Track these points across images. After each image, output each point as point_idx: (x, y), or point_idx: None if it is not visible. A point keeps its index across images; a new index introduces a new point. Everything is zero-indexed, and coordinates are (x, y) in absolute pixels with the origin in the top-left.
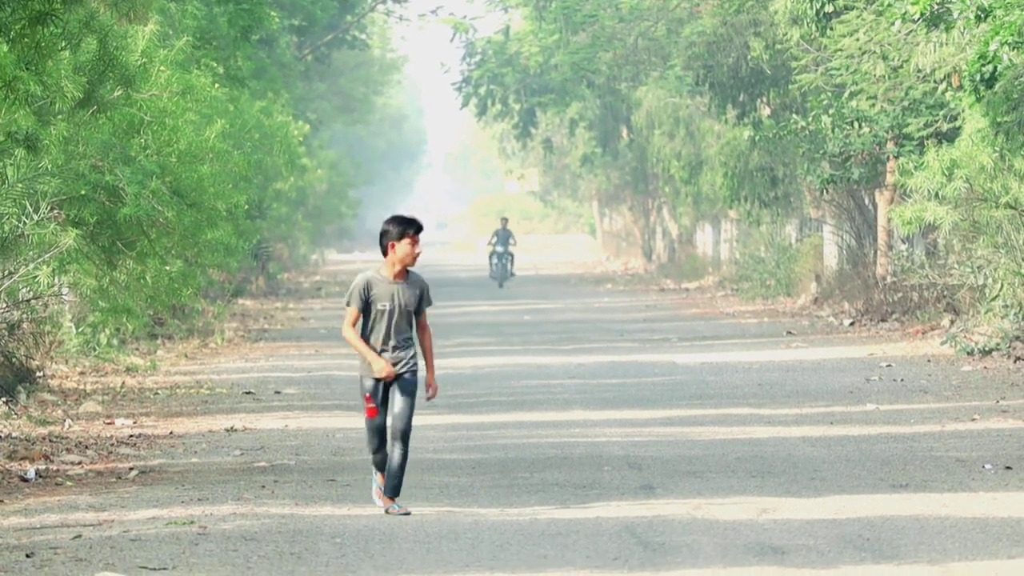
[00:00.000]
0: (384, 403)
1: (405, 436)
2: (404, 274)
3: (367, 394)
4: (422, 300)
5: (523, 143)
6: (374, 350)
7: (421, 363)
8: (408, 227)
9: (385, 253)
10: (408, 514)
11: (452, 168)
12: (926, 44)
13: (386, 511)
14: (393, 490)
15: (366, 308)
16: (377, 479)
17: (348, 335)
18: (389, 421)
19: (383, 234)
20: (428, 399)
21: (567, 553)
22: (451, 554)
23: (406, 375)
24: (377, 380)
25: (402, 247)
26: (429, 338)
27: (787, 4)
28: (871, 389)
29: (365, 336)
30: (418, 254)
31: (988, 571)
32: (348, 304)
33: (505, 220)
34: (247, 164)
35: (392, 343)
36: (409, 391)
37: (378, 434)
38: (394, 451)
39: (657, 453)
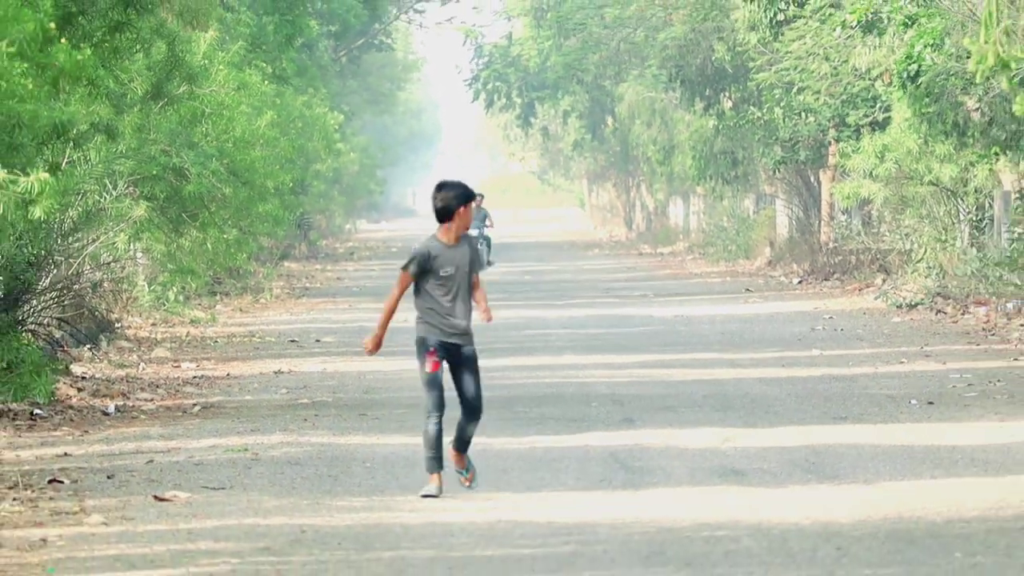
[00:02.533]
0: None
1: (481, 410)
2: (459, 238)
3: (431, 348)
4: (476, 257)
5: (524, 131)
6: (439, 315)
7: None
8: (471, 194)
9: (444, 220)
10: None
11: (463, 152)
12: (862, 47)
13: (467, 482)
14: (466, 445)
15: (426, 275)
16: (431, 484)
17: (389, 298)
18: (453, 396)
19: (451, 199)
20: (484, 316)
21: (561, 476)
22: None
23: (466, 349)
24: (443, 342)
25: (467, 213)
26: (482, 290)
27: (745, 14)
28: (816, 337)
29: (433, 302)
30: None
31: (913, 489)
32: (405, 268)
33: (480, 197)
34: (291, 149)
35: (460, 308)
36: (475, 367)
37: (440, 389)
38: (468, 425)
39: (636, 391)
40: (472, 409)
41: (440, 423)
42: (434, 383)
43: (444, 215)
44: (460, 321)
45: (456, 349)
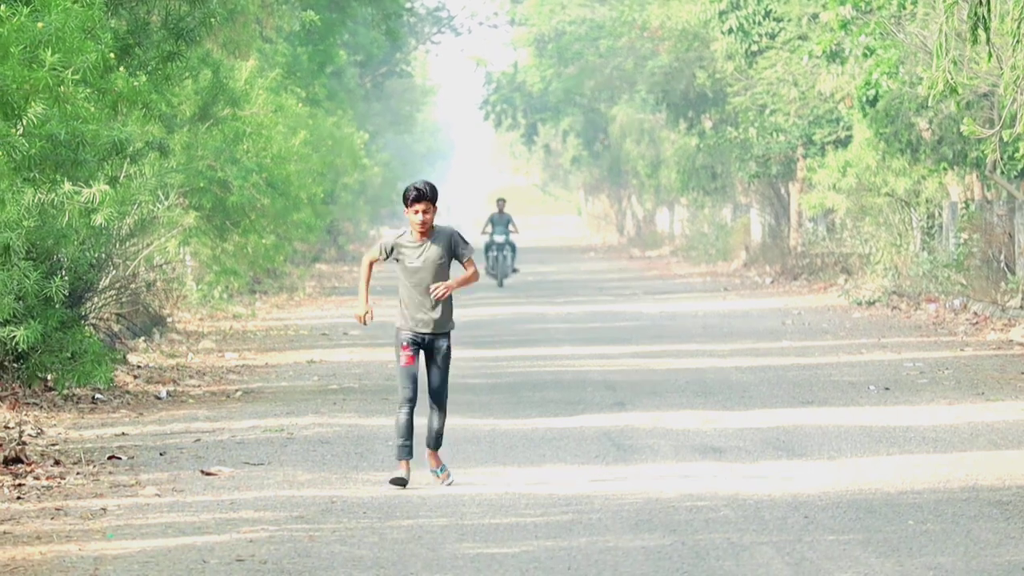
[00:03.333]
0: (417, 356)
1: (444, 404)
2: (428, 233)
3: (404, 344)
4: (457, 246)
5: (528, 148)
6: (409, 308)
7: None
8: (425, 195)
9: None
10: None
11: (474, 166)
12: (827, 74)
13: (439, 474)
14: (436, 442)
15: (400, 266)
16: (400, 471)
17: (362, 270)
18: (424, 386)
19: (412, 198)
20: (432, 292)
21: (560, 452)
22: (474, 453)
23: (437, 343)
24: (415, 333)
25: (411, 215)
26: (473, 273)
27: (724, 45)
28: (785, 330)
29: (404, 294)
30: (426, 220)
31: (872, 464)
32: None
33: (502, 202)
34: (323, 164)
35: (429, 302)
36: (445, 362)
37: (413, 381)
38: (433, 418)
39: (627, 378)
40: (436, 401)
41: (411, 414)
42: (407, 376)
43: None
44: (427, 315)
45: (426, 341)
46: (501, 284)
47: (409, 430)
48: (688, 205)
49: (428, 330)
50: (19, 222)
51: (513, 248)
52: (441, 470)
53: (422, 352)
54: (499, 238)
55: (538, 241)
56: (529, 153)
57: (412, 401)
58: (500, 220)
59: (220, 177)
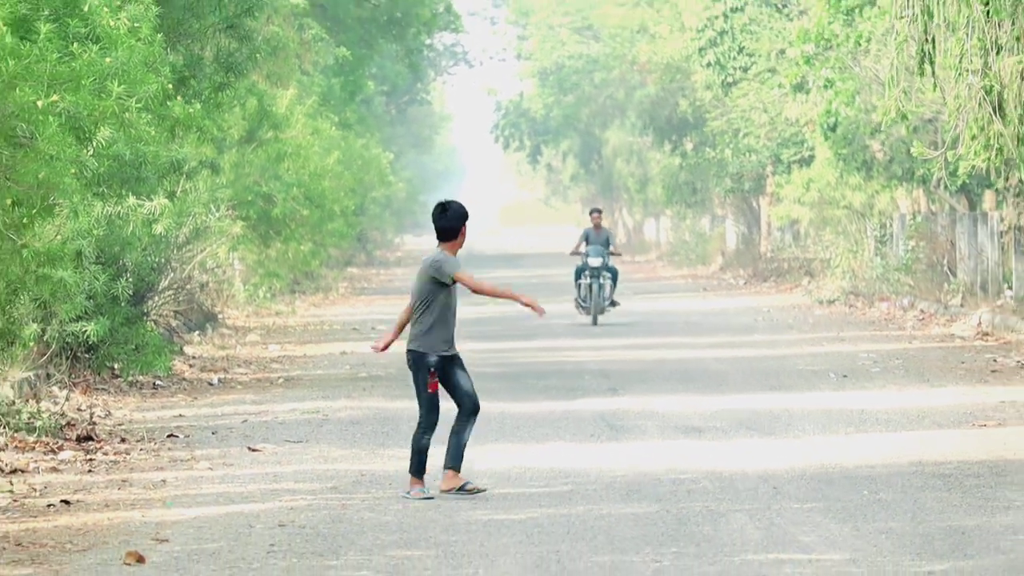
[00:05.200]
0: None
1: (478, 408)
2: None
3: (432, 369)
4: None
5: (532, 166)
6: (444, 328)
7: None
8: (467, 215)
9: (452, 237)
10: (431, 498)
11: (485, 182)
12: (793, 103)
13: (462, 488)
14: (459, 460)
15: (445, 290)
16: (417, 487)
17: (485, 286)
18: (449, 398)
19: (460, 217)
20: (534, 308)
21: (560, 432)
22: (486, 432)
23: (454, 354)
24: (440, 357)
25: (461, 239)
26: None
27: (703, 77)
28: (757, 325)
29: (441, 314)
30: None
31: (831, 443)
32: (461, 268)
33: (598, 214)
34: (353, 180)
35: (453, 322)
36: (463, 366)
37: (438, 405)
38: (469, 427)
39: (620, 367)
40: (475, 404)
41: (431, 439)
42: (433, 402)
43: (450, 235)
44: (451, 334)
45: (444, 360)
46: (595, 322)
47: (427, 452)
48: (672, 216)
49: (448, 349)
50: (90, 231)
51: (614, 275)
52: (467, 484)
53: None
54: (595, 261)
55: (540, 248)
56: (533, 171)
57: (436, 426)
58: (597, 238)
59: (264, 192)
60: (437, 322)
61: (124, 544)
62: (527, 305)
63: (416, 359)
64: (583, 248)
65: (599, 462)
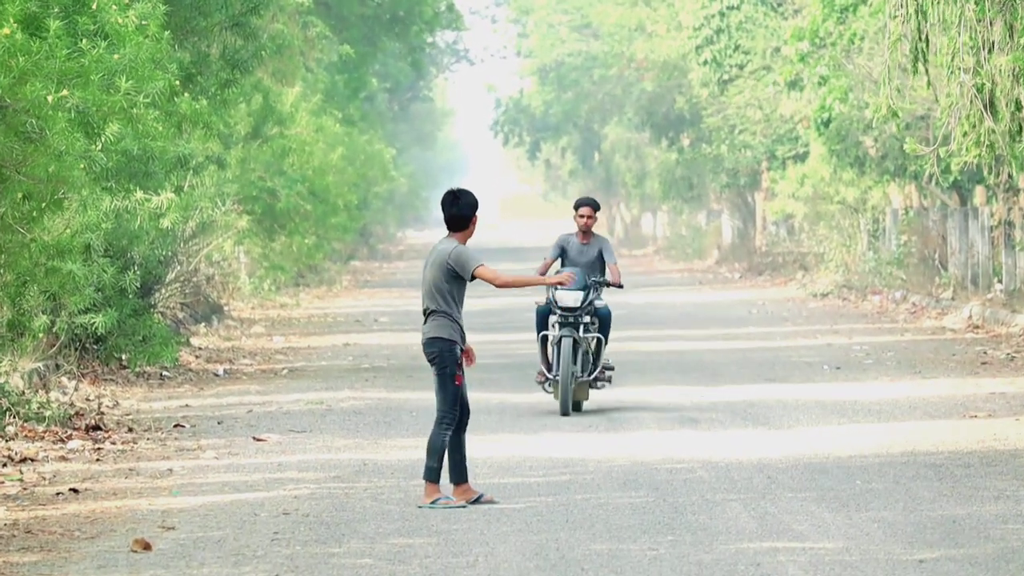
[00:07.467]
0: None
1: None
2: None
3: (459, 362)
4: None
5: (532, 162)
6: (461, 322)
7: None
8: (476, 204)
9: (463, 227)
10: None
11: (485, 177)
12: (787, 100)
13: (475, 500)
14: (464, 473)
15: (470, 283)
16: (435, 495)
17: (508, 279)
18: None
19: (471, 207)
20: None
21: (560, 423)
22: (487, 423)
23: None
24: (461, 348)
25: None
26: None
27: (699, 74)
28: (752, 318)
29: (450, 304)
30: None
31: (823, 433)
32: (483, 263)
33: (589, 207)
34: (357, 175)
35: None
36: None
37: (462, 405)
38: (464, 440)
39: (617, 359)
40: (469, 412)
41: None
42: (458, 396)
43: (460, 224)
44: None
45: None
46: (568, 411)
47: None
48: (669, 211)
49: (463, 344)
50: (98, 225)
51: (604, 322)
52: (481, 495)
53: None
54: (567, 299)
55: (540, 242)
56: (532, 167)
57: (457, 422)
58: (581, 254)
59: (269, 187)
60: (457, 313)
61: (131, 532)
62: (558, 283)
63: (444, 349)
64: (553, 270)
65: (597, 452)
